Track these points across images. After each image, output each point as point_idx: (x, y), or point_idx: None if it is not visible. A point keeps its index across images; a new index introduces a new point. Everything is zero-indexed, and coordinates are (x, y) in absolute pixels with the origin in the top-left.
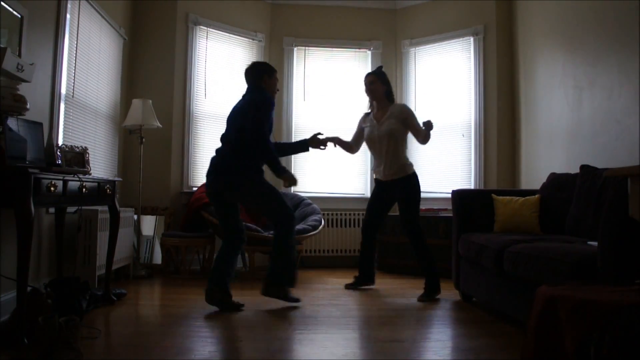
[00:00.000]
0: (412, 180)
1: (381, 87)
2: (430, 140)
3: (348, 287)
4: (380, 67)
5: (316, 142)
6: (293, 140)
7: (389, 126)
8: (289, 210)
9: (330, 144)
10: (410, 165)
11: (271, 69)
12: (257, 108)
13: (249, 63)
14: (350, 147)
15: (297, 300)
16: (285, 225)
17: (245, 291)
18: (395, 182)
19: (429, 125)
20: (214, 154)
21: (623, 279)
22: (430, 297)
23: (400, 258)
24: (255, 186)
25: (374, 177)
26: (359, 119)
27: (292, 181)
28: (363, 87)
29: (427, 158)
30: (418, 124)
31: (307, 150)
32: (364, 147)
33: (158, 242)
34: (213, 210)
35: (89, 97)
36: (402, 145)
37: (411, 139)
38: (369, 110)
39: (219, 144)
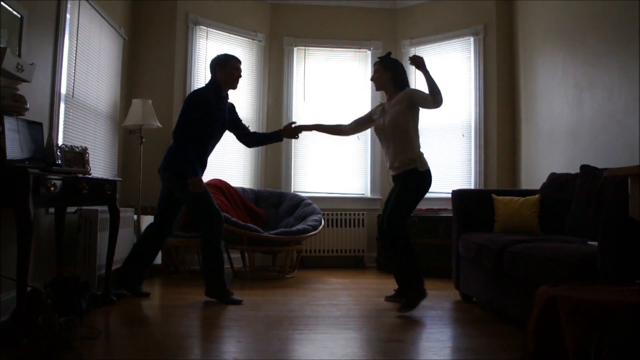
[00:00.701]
0: (418, 175)
1: (385, 74)
2: (430, 139)
3: (387, 299)
4: (388, 53)
5: (289, 132)
6: (293, 140)
7: (392, 114)
8: (216, 211)
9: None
10: (420, 160)
11: (224, 59)
12: (182, 107)
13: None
14: (339, 129)
15: (238, 302)
16: (208, 227)
17: (245, 291)
18: (401, 176)
19: (415, 61)
20: (214, 153)
21: (623, 279)
22: (412, 305)
23: None
24: (176, 181)
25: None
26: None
27: (196, 187)
28: (363, 87)
29: (428, 158)
30: (423, 92)
31: (281, 140)
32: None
33: None
34: None
35: (89, 97)
36: (409, 135)
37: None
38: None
39: (219, 144)
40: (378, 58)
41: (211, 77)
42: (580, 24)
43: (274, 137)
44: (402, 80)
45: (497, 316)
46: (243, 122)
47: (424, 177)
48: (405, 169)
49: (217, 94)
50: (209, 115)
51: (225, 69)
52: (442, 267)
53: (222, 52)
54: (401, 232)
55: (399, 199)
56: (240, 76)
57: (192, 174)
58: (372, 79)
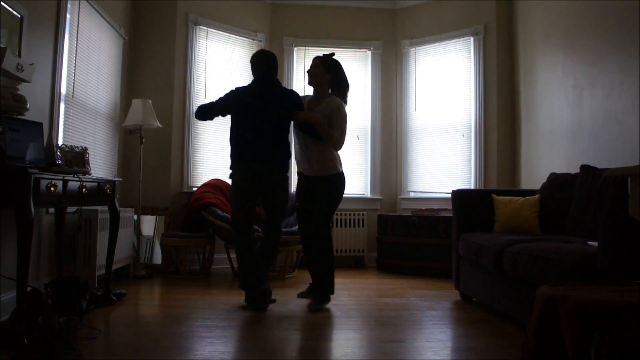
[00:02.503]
0: (336, 179)
1: (323, 73)
2: (430, 139)
3: (300, 295)
4: (331, 54)
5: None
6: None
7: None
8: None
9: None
10: (335, 165)
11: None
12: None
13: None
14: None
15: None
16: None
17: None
18: (322, 179)
19: (298, 118)
20: (214, 153)
21: (623, 279)
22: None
23: (400, 258)
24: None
25: (298, 170)
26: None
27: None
28: (363, 87)
29: (427, 158)
30: (339, 122)
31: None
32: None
33: (158, 242)
34: (214, 210)
35: (89, 97)
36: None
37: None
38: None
39: (219, 144)
40: (319, 56)
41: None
42: (580, 24)
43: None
44: (337, 87)
45: (497, 316)
46: None
47: (340, 178)
48: (327, 173)
49: None
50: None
51: None
52: (442, 267)
53: (220, 52)
54: (329, 232)
55: (326, 201)
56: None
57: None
58: (308, 71)
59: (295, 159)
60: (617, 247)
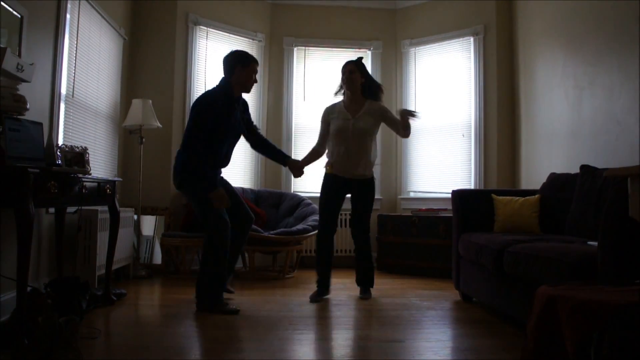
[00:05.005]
0: (373, 182)
1: (359, 78)
2: (430, 139)
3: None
4: (360, 58)
5: (295, 169)
6: (293, 140)
7: (365, 123)
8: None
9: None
10: (373, 166)
11: (246, 57)
12: (190, 114)
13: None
14: (317, 152)
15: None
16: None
17: (245, 291)
18: (361, 182)
19: (402, 114)
20: None
21: (623, 279)
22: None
23: (400, 258)
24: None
25: (328, 172)
26: (322, 115)
27: (221, 200)
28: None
29: (427, 158)
30: (393, 116)
31: (284, 166)
32: None
33: (158, 242)
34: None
35: (89, 97)
36: (372, 145)
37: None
38: (335, 102)
39: None
40: (355, 60)
41: (225, 76)
42: (580, 23)
43: (279, 158)
44: (370, 89)
45: (497, 316)
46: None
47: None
48: (370, 176)
49: (229, 98)
50: (217, 123)
51: (247, 70)
52: (442, 267)
53: (220, 52)
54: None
55: (369, 203)
56: (256, 81)
57: (210, 189)
58: (348, 79)
59: (335, 161)
60: (617, 247)
